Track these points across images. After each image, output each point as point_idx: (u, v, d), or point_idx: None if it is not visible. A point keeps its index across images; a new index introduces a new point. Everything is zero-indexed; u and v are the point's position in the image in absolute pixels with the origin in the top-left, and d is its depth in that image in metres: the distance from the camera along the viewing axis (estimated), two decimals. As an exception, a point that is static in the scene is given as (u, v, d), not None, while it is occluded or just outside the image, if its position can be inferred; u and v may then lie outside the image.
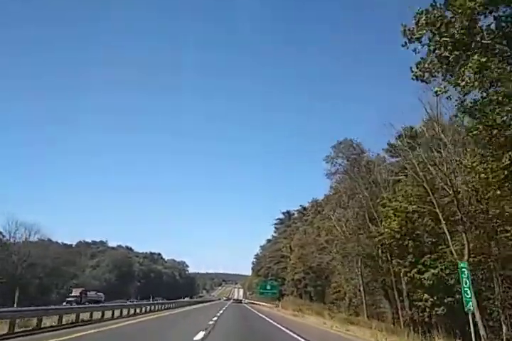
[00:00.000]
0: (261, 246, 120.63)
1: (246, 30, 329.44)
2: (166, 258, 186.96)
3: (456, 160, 21.44)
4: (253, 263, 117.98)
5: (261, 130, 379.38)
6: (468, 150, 19.82)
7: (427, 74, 10.78)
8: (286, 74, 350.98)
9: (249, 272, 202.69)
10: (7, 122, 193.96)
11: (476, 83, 10.23)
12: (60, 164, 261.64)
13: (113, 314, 21.08)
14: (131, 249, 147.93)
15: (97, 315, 19.21)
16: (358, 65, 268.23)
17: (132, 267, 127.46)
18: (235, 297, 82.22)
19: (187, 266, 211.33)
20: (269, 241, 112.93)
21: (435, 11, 10.04)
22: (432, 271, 23.38)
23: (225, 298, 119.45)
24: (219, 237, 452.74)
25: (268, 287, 64.92)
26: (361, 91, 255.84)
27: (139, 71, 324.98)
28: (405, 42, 10.56)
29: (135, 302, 39.67)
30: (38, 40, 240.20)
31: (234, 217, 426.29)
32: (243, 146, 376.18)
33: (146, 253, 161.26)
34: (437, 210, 22.12)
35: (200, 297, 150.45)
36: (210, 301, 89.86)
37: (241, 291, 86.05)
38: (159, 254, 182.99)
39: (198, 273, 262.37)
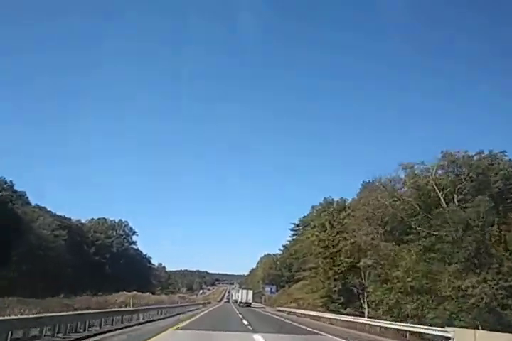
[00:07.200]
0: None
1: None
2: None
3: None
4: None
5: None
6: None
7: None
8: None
9: (246, 271, 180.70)
10: None
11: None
12: None
13: None
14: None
15: None
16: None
17: None
18: (241, 299, 66.69)
19: (134, 234, 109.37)
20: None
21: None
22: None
23: (225, 300, 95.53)
24: (208, 233, 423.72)
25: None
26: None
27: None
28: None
29: None
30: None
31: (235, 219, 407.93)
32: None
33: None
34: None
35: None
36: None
37: (250, 293, 68.92)
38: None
39: (186, 270, 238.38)
